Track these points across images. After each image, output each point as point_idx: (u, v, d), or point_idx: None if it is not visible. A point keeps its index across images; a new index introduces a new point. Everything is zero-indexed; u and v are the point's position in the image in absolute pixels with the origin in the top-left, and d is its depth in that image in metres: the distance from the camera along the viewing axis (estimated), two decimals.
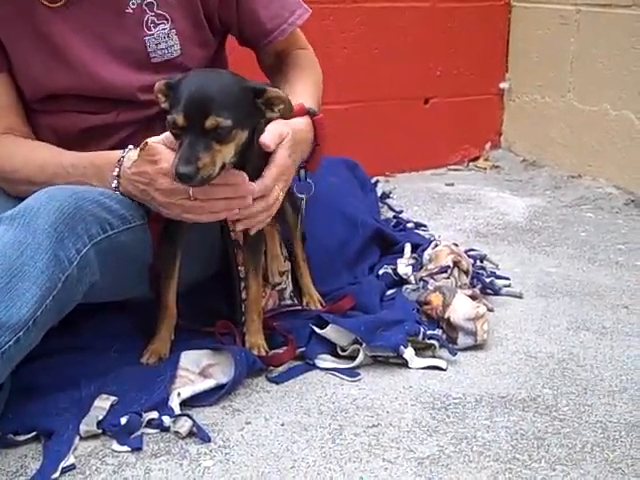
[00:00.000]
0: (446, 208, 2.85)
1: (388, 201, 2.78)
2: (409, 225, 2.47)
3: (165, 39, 1.71)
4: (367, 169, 2.90)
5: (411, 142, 3.26)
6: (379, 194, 2.77)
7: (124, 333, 1.76)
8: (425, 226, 2.54)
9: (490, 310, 1.96)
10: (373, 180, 2.86)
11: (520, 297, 2.08)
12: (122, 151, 1.58)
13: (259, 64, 1.93)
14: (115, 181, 1.56)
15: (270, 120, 1.55)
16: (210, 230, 1.71)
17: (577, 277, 2.23)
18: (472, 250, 2.26)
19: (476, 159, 3.43)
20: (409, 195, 2.97)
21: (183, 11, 1.72)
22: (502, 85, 3.38)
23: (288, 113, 1.57)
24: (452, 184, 3.14)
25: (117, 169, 1.56)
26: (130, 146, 1.58)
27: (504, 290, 2.09)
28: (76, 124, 1.74)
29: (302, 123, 1.66)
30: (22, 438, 1.42)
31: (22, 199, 1.50)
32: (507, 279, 2.15)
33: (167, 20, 1.70)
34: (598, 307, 2.03)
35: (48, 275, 1.39)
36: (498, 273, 2.19)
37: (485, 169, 3.36)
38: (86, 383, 1.55)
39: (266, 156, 1.57)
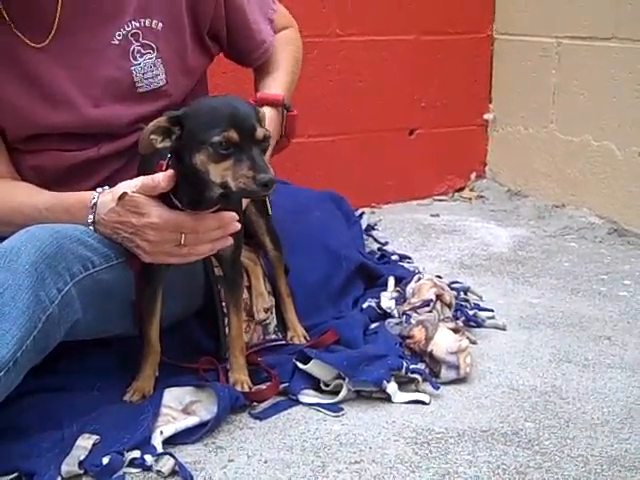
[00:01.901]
0: (431, 239, 2.87)
1: (373, 233, 2.79)
2: (394, 257, 2.49)
3: (151, 68, 1.73)
4: (353, 200, 2.92)
5: (397, 173, 3.28)
6: (364, 226, 2.78)
7: (107, 371, 1.76)
8: (410, 258, 2.55)
9: (473, 343, 1.97)
10: (358, 212, 2.87)
11: (503, 329, 2.09)
12: (94, 195, 1.58)
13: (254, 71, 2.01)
14: (91, 227, 1.57)
15: None
16: (192, 266, 1.71)
17: (560, 308, 2.24)
18: (456, 282, 2.27)
19: (461, 189, 3.45)
20: (395, 226, 2.98)
21: (168, 41, 1.75)
22: (486, 116, 3.41)
23: None
24: (437, 215, 3.16)
25: (91, 216, 1.57)
26: (99, 189, 1.59)
27: (487, 322, 2.10)
28: (59, 162, 1.75)
29: (271, 115, 1.73)
30: (5, 479, 1.41)
31: (2, 239, 1.51)
32: (491, 311, 2.16)
33: (153, 50, 1.73)
34: (581, 338, 2.04)
35: (29, 315, 1.39)
36: (482, 305, 2.20)
37: (470, 199, 3.38)
38: (68, 423, 1.54)
39: None
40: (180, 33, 1.76)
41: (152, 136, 1.46)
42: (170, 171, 1.51)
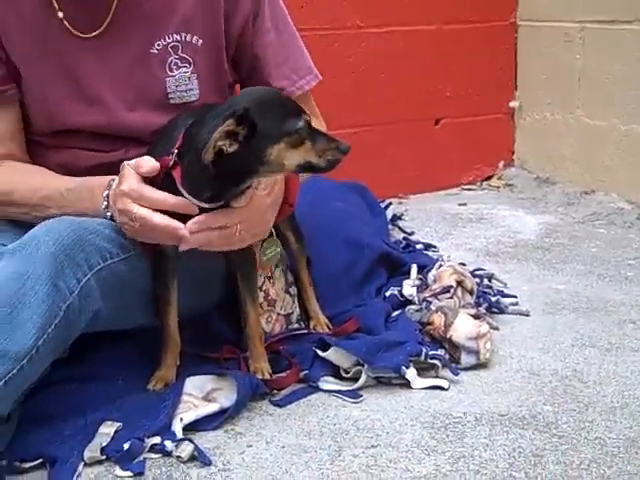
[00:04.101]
0: (457, 228, 2.86)
1: (399, 223, 2.80)
2: (418, 246, 2.49)
3: (185, 82, 1.74)
4: (380, 192, 2.94)
5: (423, 163, 3.29)
6: (390, 216, 2.79)
7: (132, 361, 1.78)
8: (435, 247, 2.55)
9: (495, 329, 1.97)
10: (385, 203, 2.89)
11: (527, 315, 2.08)
12: (113, 177, 1.61)
13: None
14: (105, 202, 1.60)
15: None
16: (209, 258, 1.71)
17: (585, 293, 2.22)
18: (480, 269, 2.27)
19: (489, 178, 3.44)
20: (421, 216, 2.99)
21: (206, 57, 1.76)
22: (512, 104, 3.40)
23: None
24: (465, 204, 3.15)
25: (107, 191, 1.61)
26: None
27: (511, 309, 2.09)
28: (84, 161, 1.76)
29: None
30: (28, 465, 1.45)
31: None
32: (514, 297, 2.16)
33: (190, 64, 1.74)
34: (605, 323, 2.03)
35: (48, 304, 1.42)
36: (506, 292, 2.19)
37: (498, 188, 3.37)
38: (92, 411, 1.58)
39: None
40: (218, 52, 1.78)
41: (220, 142, 1.43)
42: (152, 160, 1.54)
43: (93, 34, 1.70)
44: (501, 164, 3.45)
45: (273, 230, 1.85)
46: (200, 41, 1.74)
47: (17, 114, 1.77)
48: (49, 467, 1.45)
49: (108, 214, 1.61)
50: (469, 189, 3.36)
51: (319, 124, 1.94)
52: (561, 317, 2.07)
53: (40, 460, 1.46)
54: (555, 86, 3.19)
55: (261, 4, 1.79)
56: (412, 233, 2.70)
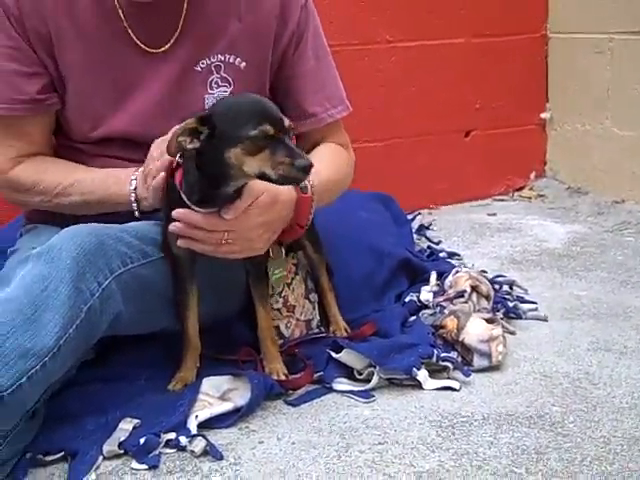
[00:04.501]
0: (485, 237, 2.89)
1: (427, 233, 2.84)
2: (442, 255, 2.53)
3: None
4: (410, 203, 3.00)
5: (454, 175, 3.32)
6: (417, 226, 2.84)
7: (155, 363, 1.85)
8: (459, 255, 2.59)
9: (511, 333, 2.00)
10: (414, 214, 2.93)
11: (545, 320, 2.10)
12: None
13: None
14: (134, 182, 1.74)
15: None
16: (228, 266, 1.77)
17: (606, 300, 2.24)
18: (500, 276, 2.30)
19: (521, 189, 3.45)
20: (450, 226, 3.02)
21: (247, 79, 1.85)
22: (543, 115, 3.42)
23: None
24: (494, 214, 3.17)
25: (136, 173, 1.74)
26: None
27: (529, 314, 2.12)
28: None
29: (289, 191, 1.72)
30: (51, 458, 1.53)
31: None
32: (534, 303, 2.18)
33: (230, 84, 1.84)
34: (623, 328, 2.04)
35: (70, 306, 1.50)
36: (526, 298, 2.22)
37: (530, 198, 3.38)
38: (113, 409, 1.65)
39: None
40: (259, 75, 1.87)
41: (180, 138, 1.53)
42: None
43: (161, 50, 1.81)
44: (532, 175, 3.47)
45: (283, 251, 1.91)
46: (243, 64, 1.84)
47: (52, 122, 1.90)
48: (70, 460, 1.52)
49: (133, 196, 1.74)
50: (500, 200, 3.38)
51: (346, 154, 2.02)
52: (579, 322, 2.09)
53: (62, 453, 1.54)
54: (585, 97, 3.21)
55: (305, 31, 1.89)
56: (439, 242, 2.74)
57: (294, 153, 1.50)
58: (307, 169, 1.50)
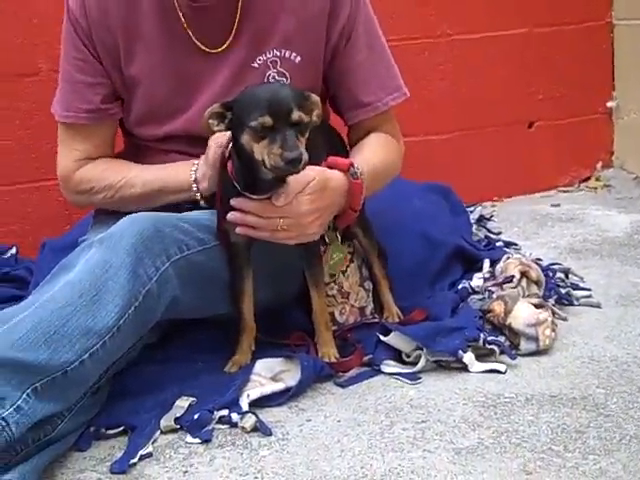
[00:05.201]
0: (546, 228, 2.89)
1: (488, 224, 2.85)
2: (498, 244, 2.54)
3: None
4: (473, 195, 3.02)
5: (517, 166, 3.31)
6: (477, 217, 2.85)
7: (212, 347, 1.94)
8: (516, 244, 2.59)
9: (563, 319, 2.01)
10: (475, 205, 2.96)
11: (598, 307, 2.11)
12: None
13: (348, 140, 2.06)
14: (194, 167, 1.86)
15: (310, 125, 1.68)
16: (284, 252, 1.84)
17: None
18: (555, 264, 2.31)
19: (587, 180, 3.42)
20: (511, 218, 3.02)
21: (302, 73, 1.93)
22: (610, 104, 3.38)
23: (319, 122, 1.71)
24: (558, 205, 3.16)
25: (195, 162, 1.87)
26: None
27: (582, 300, 2.12)
28: None
29: (338, 177, 1.78)
30: (112, 432, 1.63)
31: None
32: (588, 290, 2.18)
33: (287, 78, 1.92)
34: None
35: (129, 288, 1.60)
36: (581, 285, 2.22)
37: (596, 189, 3.35)
38: (171, 388, 1.75)
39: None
40: (314, 69, 1.95)
41: (210, 120, 1.66)
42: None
43: (220, 49, 1.91)
44: (599, 165, 3.43)
45: (338, 236, 1.98)
46: (298, 58, 1.92)
47: (114, 128, 2.04)
48: (130, 434, 1.62)
49: (194, 187, 1.85)
50: (565, 191, 3.36)
51: (396, 144, 2.07)
52: (633, 309, 2.08)
53: (122, 428, 1.64)
54: None
55: (356, 24, 1.95)
56: (499, 233, 2.75)
57: (285, 145, 1.56)
58: (295, 162, 1.56)
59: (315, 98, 1.69)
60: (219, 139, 1.78)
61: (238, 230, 1.74)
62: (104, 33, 1.91)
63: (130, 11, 1.90)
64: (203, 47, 1.90)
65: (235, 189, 1.72)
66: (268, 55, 1.92)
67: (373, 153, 1.94)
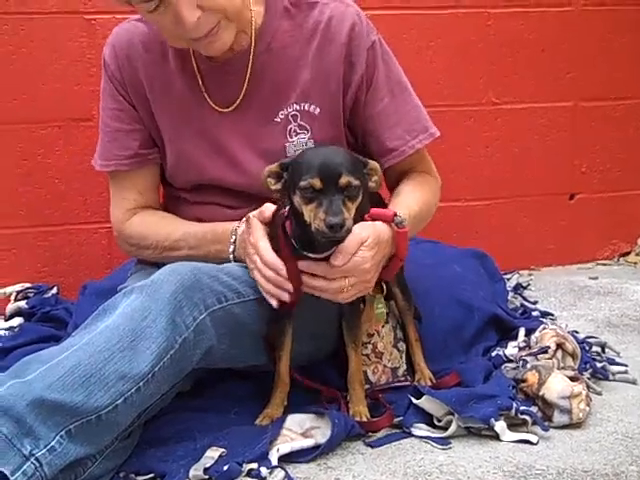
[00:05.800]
0: (583, 300, 2.87)
1: (524, 293, 2.85)
2: (534, 314, 2.54)
3: (303, 147, 1.96)
4: (511, 263, 3.03)
5: (557, 237, 3.32)
6: (514, 285, 2.85)
7: (245, 398, 1.97)
8: (552, 315, 2.58)
9: (597, 394, 2.00)
10: (512, 273, 2.95)
11: (633, 383, 2.08)
12: (238, 222, 1.89)
13: (385, 185, 2.06)
14: (232, 247, 1.88)
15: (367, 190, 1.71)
16: (324, 310, 1.86)
17: None
18: (591, 337, 2.29)
19: (627, 254, 3.41)
20: (549, 287, 3.01)
21: (323, 124, 1.98)
22: None
23: (379, 188, 1.75)
24: (596, 277, 3.15)
25: (234, 237, 1.88)
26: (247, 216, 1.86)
27: (618, 376, 2.10)
28: (217, 216, 2.01)
29: (386, 229, 1.79)
30: (141, 478, 1.64)
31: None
32: (624, 366, 2.16)
33: (307, 131, 1.97)
34: None
35: (166, 336, 1.63)
36: (617, 360, 2.20)
37: (635, 264, 3.34)
38: (202, 437, 1.76)
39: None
40: (334, 118, 1.99)
41: (268, 179, 1.71)
42: (273, 206, 1.77)
43: (230, 109, 1.98)
44: (639, 240, 3.42)
45: (385, 287, 1.99)
46: (317, 110, 1.96)
47: (156, 174, 2.10)
48: None
49: (231, 257, 1.89)
50: (604, 264, 3.35)
51: (433, 180, 2.09)
52: None
53: (152, 475, 1.65)
54: None
55: (375, 72, 1.98)
56: (535, 302, 2.74)
57: (330, 210, 1.59)
58: (337, 227, 1.58)
59: (374, 164, 1.72)
60: (265, 213, 1.81)
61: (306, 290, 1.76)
62: (137, 85, 2.01)
63: (158, 68, 2.00)
64: (214, 106, 1.98)
65: (291, 248, 1.74)
66: (289, 109, 1.96)
67: (412, 197, 1.96)
